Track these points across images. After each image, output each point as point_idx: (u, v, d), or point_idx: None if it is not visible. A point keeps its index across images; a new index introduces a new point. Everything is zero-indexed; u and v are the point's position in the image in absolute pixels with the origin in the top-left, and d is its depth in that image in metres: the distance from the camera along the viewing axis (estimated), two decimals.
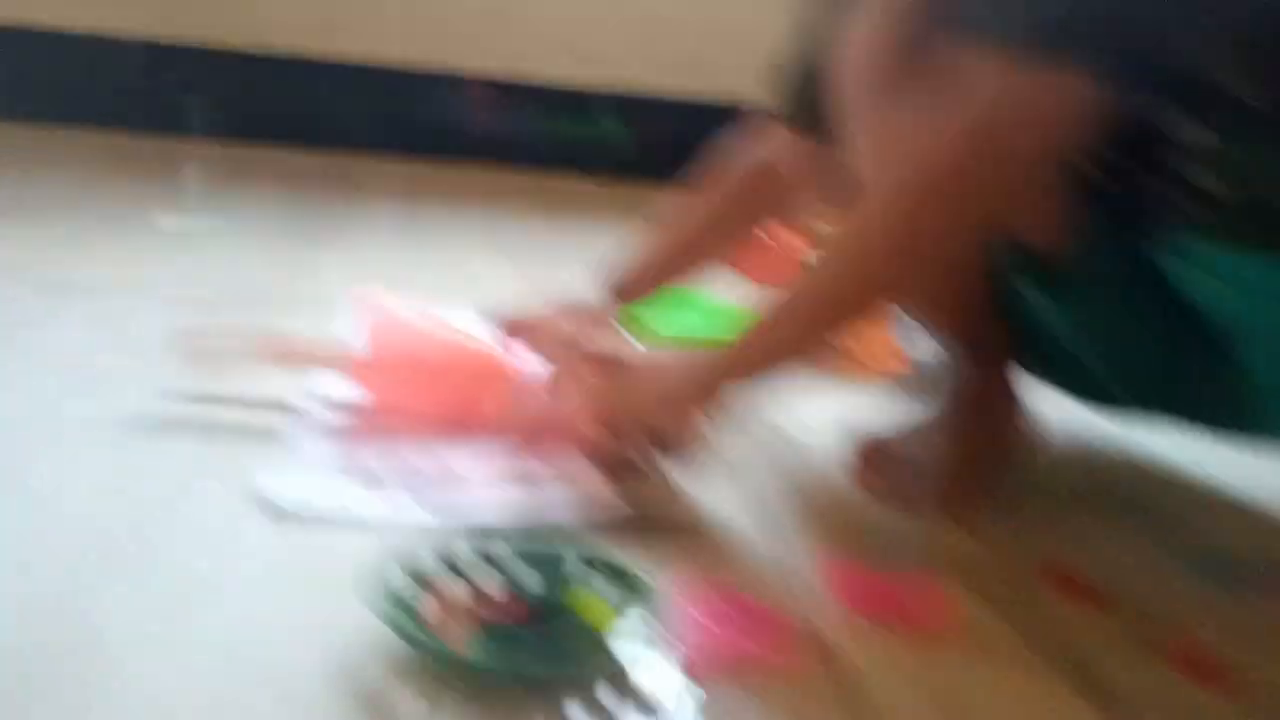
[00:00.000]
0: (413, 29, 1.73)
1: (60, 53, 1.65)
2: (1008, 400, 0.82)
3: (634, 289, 0.94)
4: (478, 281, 1.19)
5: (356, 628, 0.52)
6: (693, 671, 0.52)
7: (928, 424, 0.82)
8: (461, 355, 0.80)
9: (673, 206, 0.95)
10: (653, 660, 0.51)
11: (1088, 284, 0.69)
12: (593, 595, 0.54)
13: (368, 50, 1.73)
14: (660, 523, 0.68)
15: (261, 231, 1.28)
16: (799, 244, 1.41)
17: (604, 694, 0.50)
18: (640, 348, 0.84)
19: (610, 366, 0.76)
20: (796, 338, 0.71)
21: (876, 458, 0.80)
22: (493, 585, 0.54)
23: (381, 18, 1.72)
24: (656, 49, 1.80)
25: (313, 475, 0.68)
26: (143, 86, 1.69)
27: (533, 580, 0.53)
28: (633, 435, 0.72)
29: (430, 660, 0.50)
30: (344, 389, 0.79)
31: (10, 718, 0.44)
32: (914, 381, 1.01)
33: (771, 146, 0.91)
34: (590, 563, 0.56)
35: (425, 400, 0.78)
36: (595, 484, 0.70)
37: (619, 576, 0.56)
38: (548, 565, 0.52)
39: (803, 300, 0.70)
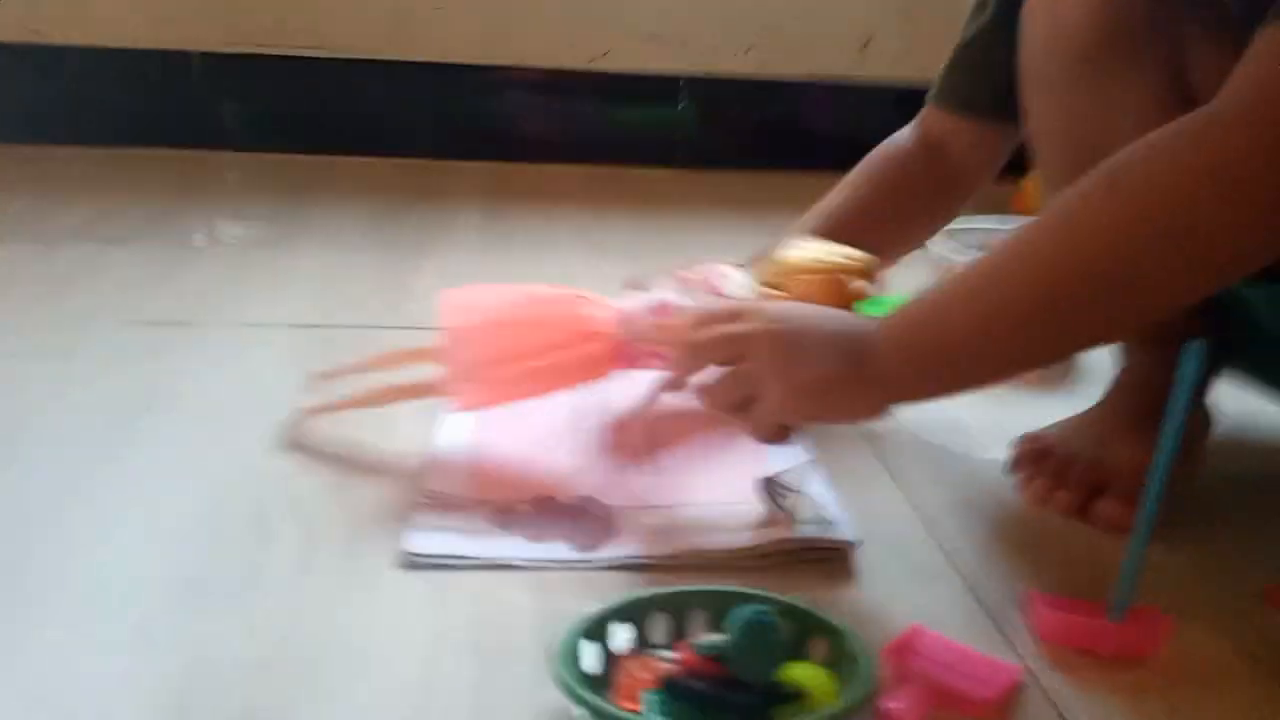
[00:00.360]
0: (471, 26, 1.68)
1: (111, 70, 1.63)
2: (1201, 397, 0.76)
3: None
4: (574, 280, 1.14)
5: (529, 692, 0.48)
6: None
7: (1098, 418, 0.76)
8: (548, 305, 0.73)
9: (835, 191, 0.87)
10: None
11: None
12: (808, 666, 0.49)
13: (428, 49, 1.68)
14: (823, 549, 0.63)
15: (342, 243, 1.25)
16: None
17: None
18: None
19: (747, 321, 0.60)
20: (1057, 327, 0.54)
21: (1042, 462, 0.74)
22: (685, 646, 0.50)
23: (442, 15, 1.67)
24: (719, 29, 1.74)
25: (457, 525, 0.64)
26: (197, 100, 1.66)
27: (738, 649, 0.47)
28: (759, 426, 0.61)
29: None
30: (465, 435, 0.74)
31: None
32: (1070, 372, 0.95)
33: (934, 131, 0.86)
34: (789, 614, 0.51)
35: (521, 353, 0.70)
36: (755, 505, 0.65)
37: (827, 633, 0.51)
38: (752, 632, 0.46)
39: (1072, 257, 0.52)
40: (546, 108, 1.76)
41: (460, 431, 0.74)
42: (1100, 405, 0.76)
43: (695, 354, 0.61)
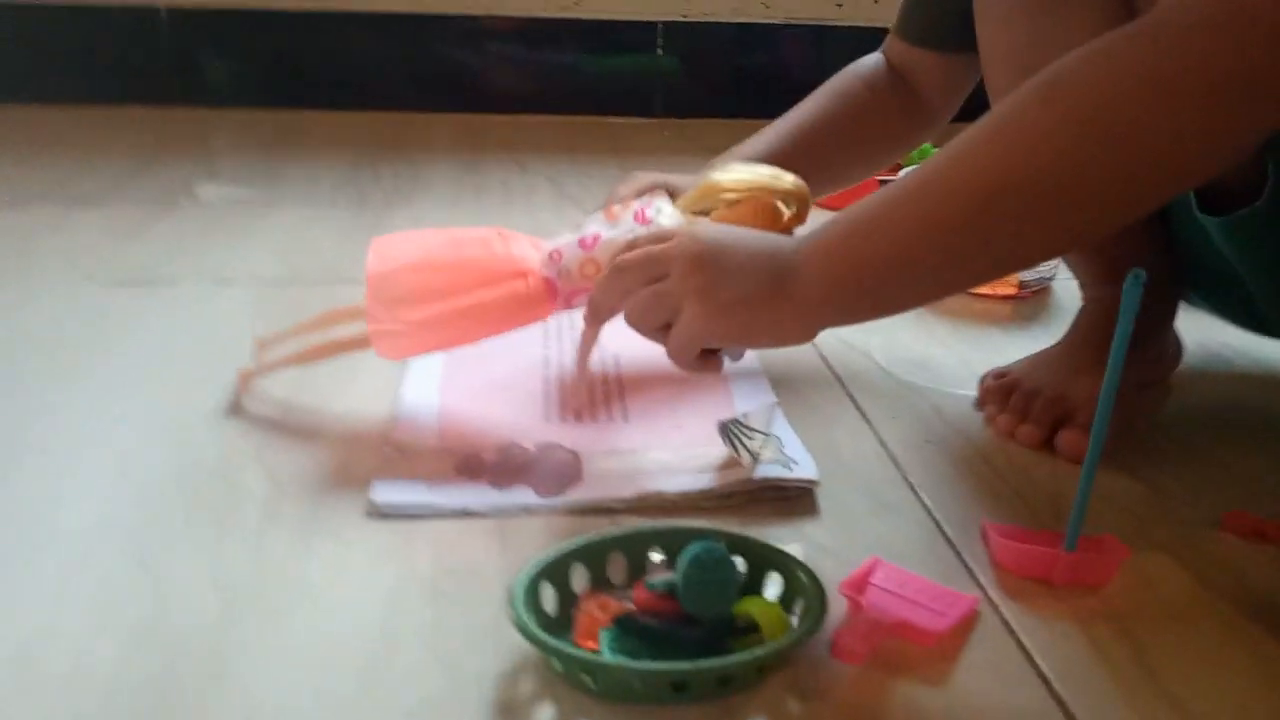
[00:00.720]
0: None
1: (82, 28, 1.61)
2: (1160, 329, 0.76)
3: None
4: (549, 231, 1.14)
5: (490, 634, 0.49)
6: (851, 656, 0.48)
7: (1062, 353, 0.76)
8: (472, 245, 0.70)
9: (792, 112, 0.86)
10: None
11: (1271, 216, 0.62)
12: (761, 601, 0.50)
13: (401, 0, 1.66)
14: (784, 486, 0.63)
15: (315, 198, 1.24)
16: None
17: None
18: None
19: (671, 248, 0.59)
20: (1009, 232, 0.51)
21: (1007, 397, 0.74)
22: (639, 583, 0.50)
23: None
24: None
25: (422, 475, 0.64)
26: (168, 56, 1.64)
27: (691, 581, 0.48)
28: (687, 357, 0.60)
29: (561, 662, 0.46)
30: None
31: None
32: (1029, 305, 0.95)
33: (897, 62, 0.86)
34: (743, 550, 0.52)
35: (443, 291, 0.68)
36: (712, 449, 0.66)
37: (780, 567, 0.52)
38: (703, 561, 0.47)
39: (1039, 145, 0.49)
40: (522, 57, 1.74)
41: (425, 384, 0.74)
42: (1063, 341, 0.77)
43: (617, 275, 0.60)
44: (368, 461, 0.66)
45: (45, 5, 1.59)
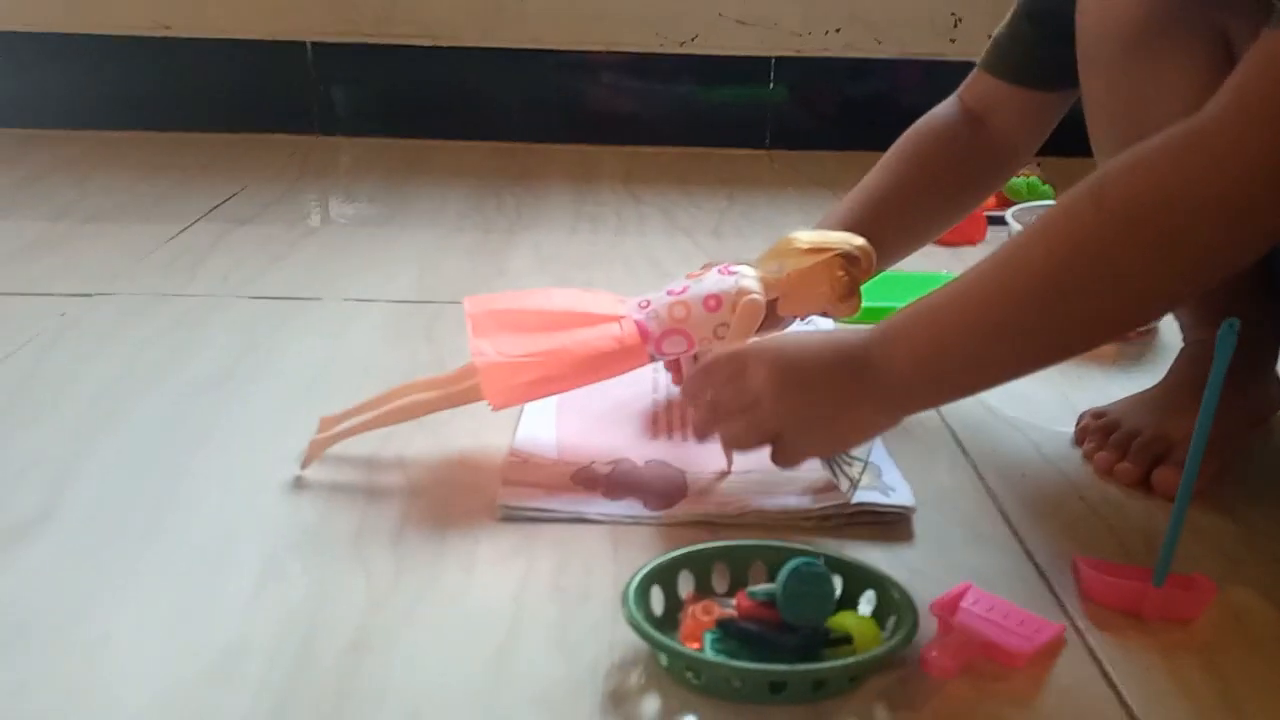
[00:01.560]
0: (563, 12, 1.74)
1: (235, 60, 1.74)
2: (1261, 372, 0.77)
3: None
4: (661, 264, 1.19)
5: (604, 630, 0.54)
6: (940, 671, 0.51)
7: (1161, 394, 0.77)
8: (563, 297, 0.75)
9: (867, 180, 0.88)
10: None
11: None
12: (856, 615, 0.54)
13: (522, 36, 1.75)
14: (880, 512, 0.67)
15: (443, 223, 1.32)
16: (988, 205, 1.36)
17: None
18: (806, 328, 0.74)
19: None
20: (1055, 329, 0.56)
21: (1107, 435, 0.76)
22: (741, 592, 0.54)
23: (537, 3, 1.73)
24: (808, 5, 1.75)
25: (543, 483, 0.70)
26: (311, 87, 1.76)
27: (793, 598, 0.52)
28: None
29: (668, 658, 0.51)
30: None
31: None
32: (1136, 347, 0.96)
33: (981, 99, 0.87)
34: (840, 569, 0.56)
35: (542, 327, 0.72)
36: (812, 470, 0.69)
37: (875, 585, 0.56)
38: (805, 581, 0.51)
39: (1076, 260, 0.54)
40: (637, 90, 1.80)
41: (543, 411, 0.79)
42: (1162, 382, 0.78)
43: (703, 374, 0.65)
44: (494, 470, 0.72)
45: (202, 39, 1.73)
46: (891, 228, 0.80)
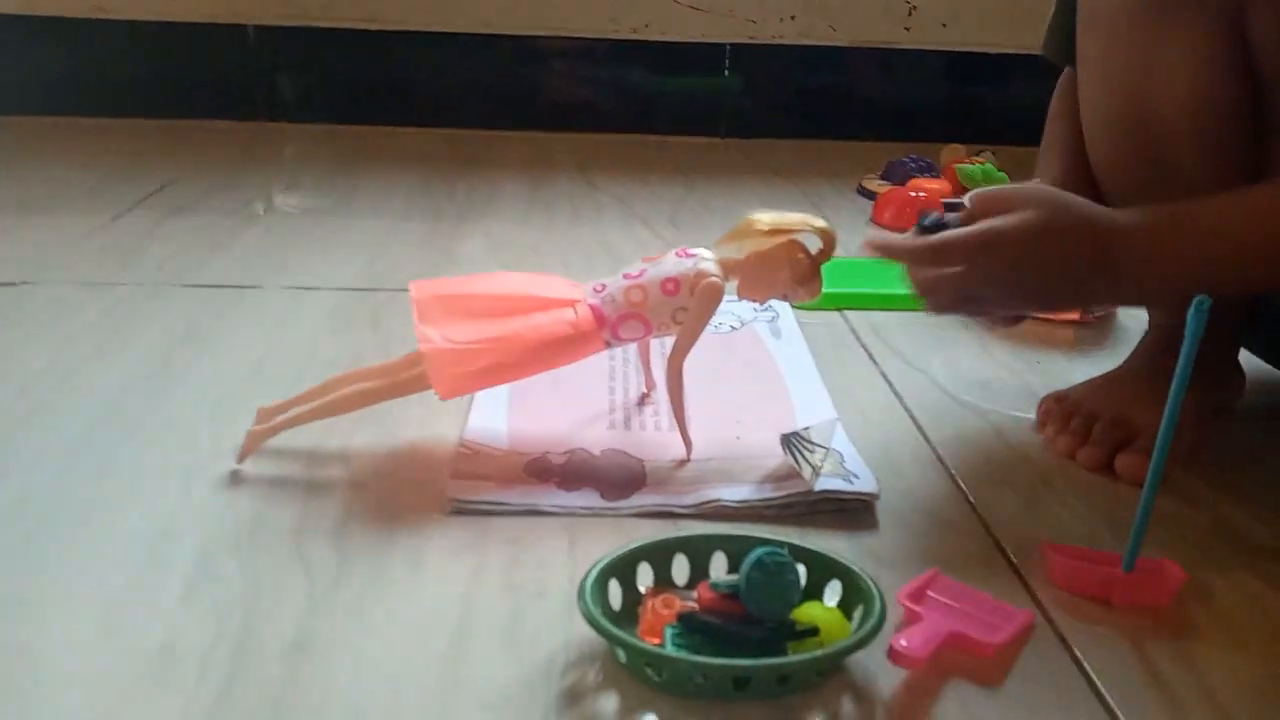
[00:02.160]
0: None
1: (175, 45, 1.69)
2: (1224, 357, 0.77)
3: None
4: (618, 250, 1.17)
5: (558, 627, 0.51)
6: (908, 662, 0.49)
7: (1123, 377, 0.77)
8: (516, 282, 0.72)
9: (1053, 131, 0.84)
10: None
11: None
12: (822, 606, 0.52)
13: (474, 21, 1.71)
14: (843, 499, 0.65)
15: (391, 211, 1.28)
16: (944, 192, 1.35)
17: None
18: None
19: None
20: None
21: (1067, 419, 0.75)
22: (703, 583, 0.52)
23: None
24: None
25: (495, 474, 0.67)
26: (253, 73, 1.71)
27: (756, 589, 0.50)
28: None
29: (627, 654, 0.49)
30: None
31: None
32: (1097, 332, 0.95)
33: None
34: (804, 558, 0.54)
35: (493, 312, 0.68)
36: (784, 463, 0.68)
37: (841, 575, 0.54)
38: (769, 570, 0.49)
39: None
40: (590, 77, 1.77)
41: (494, 401, 0.76)
42: (1124, 366, 0.78)
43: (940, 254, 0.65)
44: (443, 462, 0.69)
45: (140, 21, 1.67)
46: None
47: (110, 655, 0.51)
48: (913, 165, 1.45)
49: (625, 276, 0.70)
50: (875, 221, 1.31)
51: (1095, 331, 0.98)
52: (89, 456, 0.69)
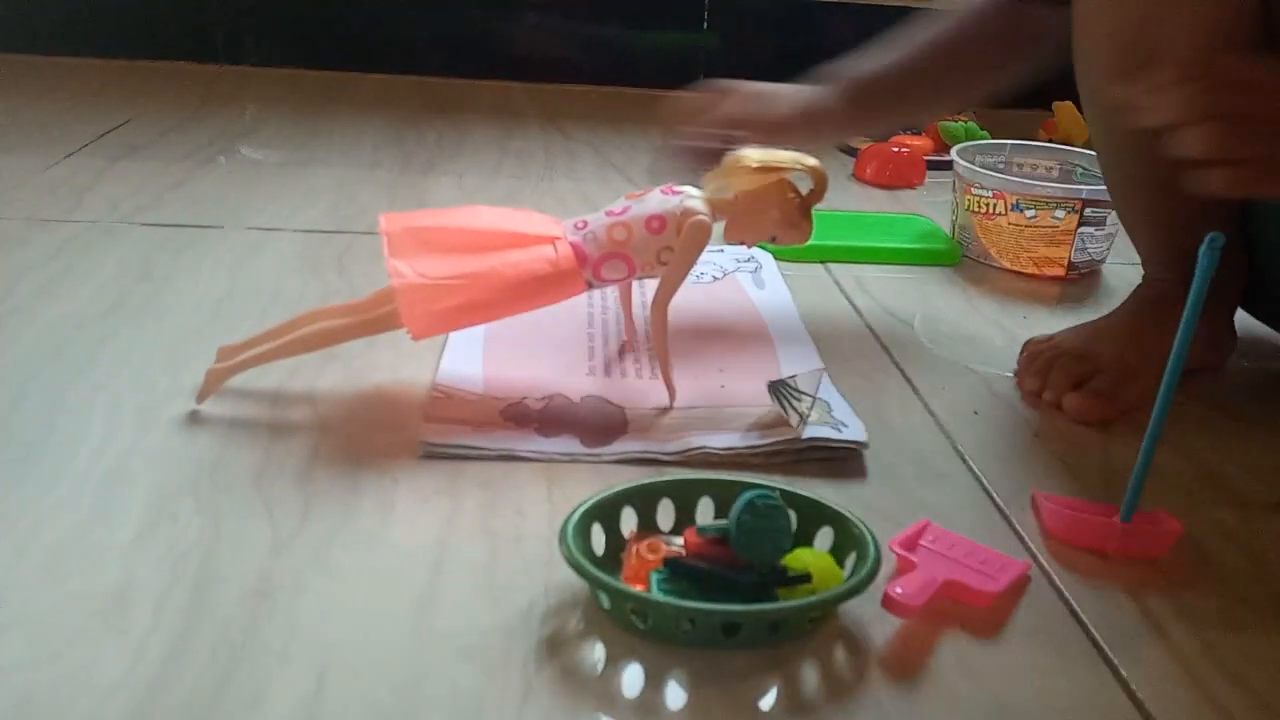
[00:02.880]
0: None
1: None
2: (1217, 314, 0.75)
3: (866, 91, 0.81)
4: (593, 200, 1.13)
5: (538, 572, 0.49)
6: (903, 610, 0.47)
7: (1105, 323, 0.75)
8: (493, 216, 0.68)
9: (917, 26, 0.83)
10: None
11: None
12: (814, 551, 0.50)
13: None
14: (831, 447, 0.63)
15: (359, 158, 1.24)
16: (927, 149, 1.33)
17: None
18: None
19: None
20: None
21: (1033, 356, 0.74)
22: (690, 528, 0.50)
23: None
24: None
25: (470, 418, 0.64)
26: (215, 13, 1.65)
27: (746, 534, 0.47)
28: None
29: (611, 599, 0.46)
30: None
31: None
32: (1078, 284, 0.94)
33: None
34: (794, 504, 0.51)
35: (468, 248, 0.64)
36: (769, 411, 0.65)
37: (833, 522, 0.52)
38: (761, 515, 0.46)
39: None
40: (564, 29, 1.73)
41: (469, 342, 0.73)
42: (1112, 313, 0.76)
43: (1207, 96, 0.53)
44: (415, 405, 0.66)
45: None
46: (916, 78, 0.80)
47: (58, 598, 0.47)
48: None
49: (608, 214, 0.66)
50: (856, 177, 1.28)
51: (1079, 287, 0.97)
52: (38, 396, 0.65)
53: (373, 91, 1.58)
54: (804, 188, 0.67)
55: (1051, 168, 1.07)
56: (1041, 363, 0.73)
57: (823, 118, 0.81)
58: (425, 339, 0.64)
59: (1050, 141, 1.50)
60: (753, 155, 0.67)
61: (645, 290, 0.77)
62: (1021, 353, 0.77)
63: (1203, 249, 0.48)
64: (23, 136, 1.22)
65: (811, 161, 0.67)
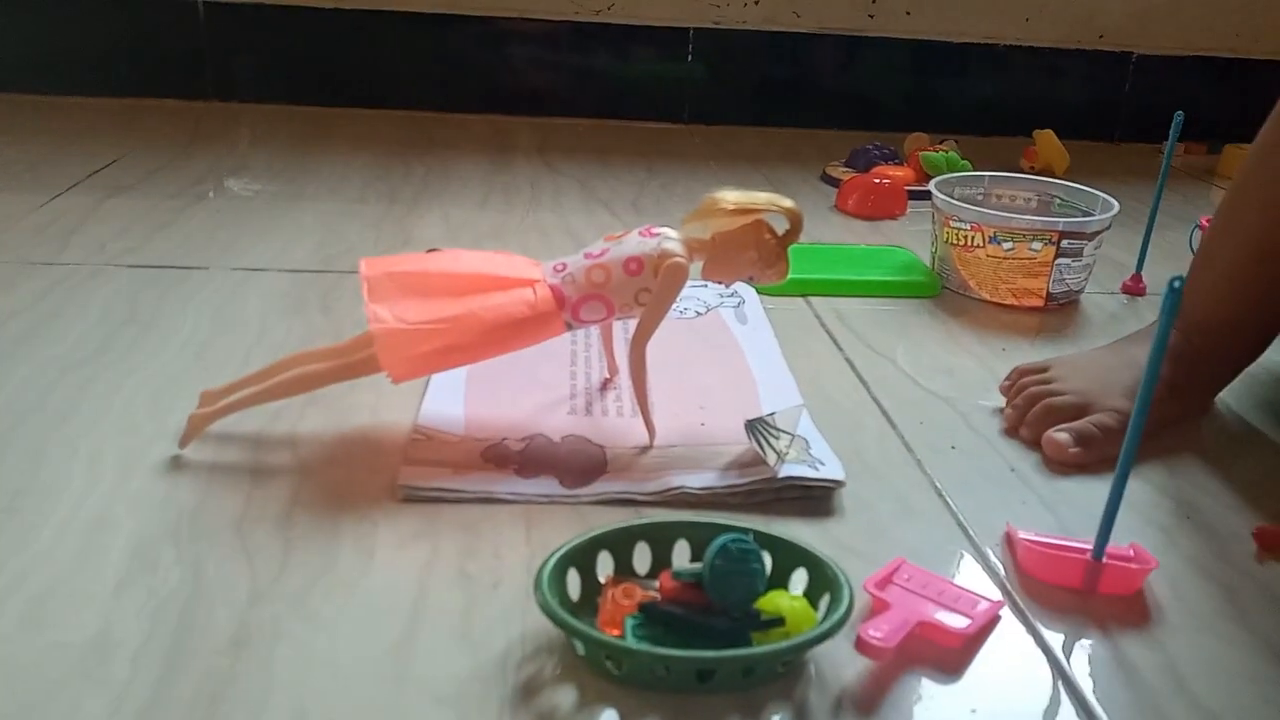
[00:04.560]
0: None
1: (121, 20, 1.63)
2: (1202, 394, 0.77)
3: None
4: (578, 236, 1.14)
5: (514, 618, 0.49)
6: (876, 652, 0.48)
7: (1087, 359, 0.76)
8: (472, 260, 0.69)
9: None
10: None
11: None
12: (788, 595, 0.50)
13: (433, 1, 1.67)
14: (809, 486, 0.63)
15: (346, 194, 1.25)
16: (908, 179, 1.34)
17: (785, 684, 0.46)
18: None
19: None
20: None
21: (1018, 392, 0.75)
22: (665, 572, 0.50)
23: None
24: None
25: (449, 460, 0.65)
26: (203, 50, 1.66)
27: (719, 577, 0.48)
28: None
29: (585, 646, 0.47)
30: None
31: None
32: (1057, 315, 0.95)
33: None
34: (769, 546, 0.52)
35: (449, 291, 0.65)
36: (747, 449, 0.66)
37: (807, 563, 0.52)
38: (733, 557, 0.47)
39: None
40: (551, 61, 1.74)
41: (450, 383, 0.74)
42: (1102, 348, 0.77)
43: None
44: (396, 447, 0.66)
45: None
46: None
47: (36, 649, 0.48)
48: (876, 152, 1.44)
49: (587, 256, 0.67)
50: (838, 208, 1.29)
51: (1058, 318, 0.98)
52: (21, 441, 0.65)
53: (361, 126, 1.59)
54: (780, 228, 0.68)
55: (1030, 199, 1.08)
56: (1024, 398, 0.74)
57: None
58: (406, 382, 0.65)
59: (1032, 169, 1.52)
60: (729, 196, 0.68)
61: (628, 328, 0.77)
62: (1007, 378, 0.78)
63: (1165, 291, 0.49)
64: (11, 177, 1.23)
65: (787, 203, 0.68)
